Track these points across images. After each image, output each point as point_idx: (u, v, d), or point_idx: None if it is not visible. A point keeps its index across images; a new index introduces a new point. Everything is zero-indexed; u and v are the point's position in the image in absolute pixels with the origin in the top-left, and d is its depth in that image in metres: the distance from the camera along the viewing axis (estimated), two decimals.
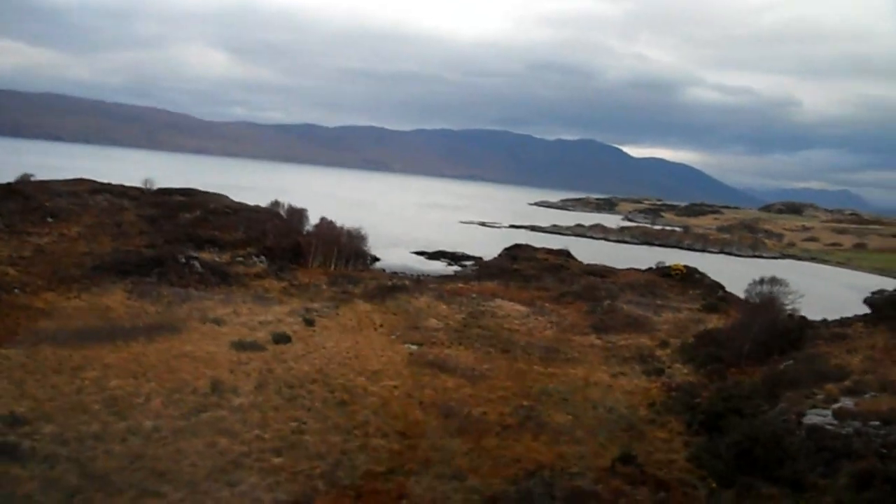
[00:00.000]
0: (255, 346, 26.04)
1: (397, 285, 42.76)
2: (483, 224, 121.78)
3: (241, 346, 25.83)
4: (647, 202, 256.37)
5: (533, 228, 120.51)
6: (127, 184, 57.43)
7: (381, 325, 32.67)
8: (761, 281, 37.12)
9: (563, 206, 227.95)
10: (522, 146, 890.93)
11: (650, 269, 57.74)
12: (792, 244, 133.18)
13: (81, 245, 38.97)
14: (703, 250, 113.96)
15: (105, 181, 57.06)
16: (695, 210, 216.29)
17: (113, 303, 30.15)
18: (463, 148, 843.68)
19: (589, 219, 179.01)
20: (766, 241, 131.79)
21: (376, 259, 57.96)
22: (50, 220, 42.77)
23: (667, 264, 57.20)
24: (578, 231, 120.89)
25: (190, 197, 55.39)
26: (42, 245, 37.68)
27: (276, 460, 16.46)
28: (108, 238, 40.85)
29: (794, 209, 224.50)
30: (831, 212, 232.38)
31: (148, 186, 57.35)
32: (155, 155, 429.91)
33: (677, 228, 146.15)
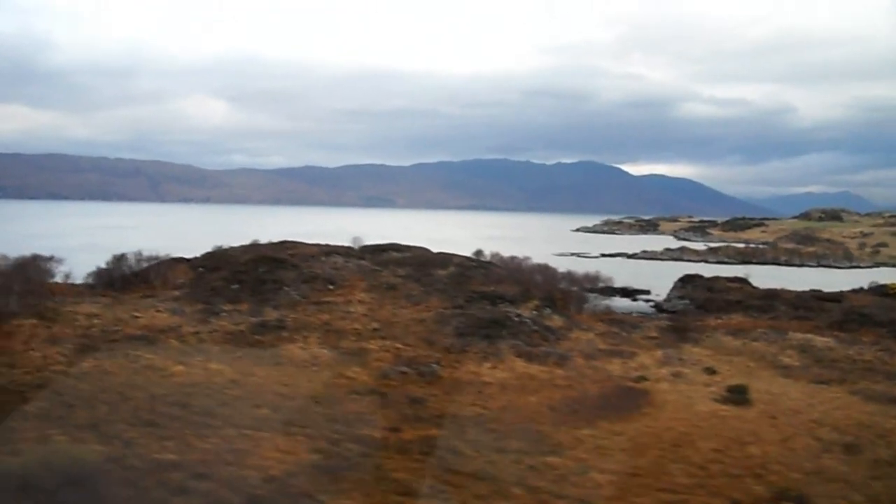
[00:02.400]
0: (734, 405, 26.19)
1: (681, 326, 43.04)
2: (577, 255, 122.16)
3: (716, 413, 26.00)
4: (683, 219, 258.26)
5: (630, 256, 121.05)
6: (330, 242, 57.87)
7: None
8: None
9: (610, 230, 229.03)
10: (522, 172, 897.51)
11: (861, 289, 58.24)
12: (876, 251, 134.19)
13: (388, 310, 39.10)
14: (801, 265, 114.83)
15: (312, 241, 57.49)
16: (739, 224, 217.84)
17: (522, 369, 30.31)
18: (463, 179, 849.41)
19: (641, 241, 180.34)
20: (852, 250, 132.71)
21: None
22: (330, 287, 42.95)
23: (882, 283, 57.75)
24: (673, 255, 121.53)
25: (402, 252, 55.69)
26: (357, 314, 37.80)
27: None
28: (405, 302, 40.98)
29: (835, 216, 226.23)
30: (869, 215, 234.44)
31: (357, 244, 57.67)
32: (170, 207, 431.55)
33: (761, 245, 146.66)
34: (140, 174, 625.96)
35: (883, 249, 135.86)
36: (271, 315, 35.44)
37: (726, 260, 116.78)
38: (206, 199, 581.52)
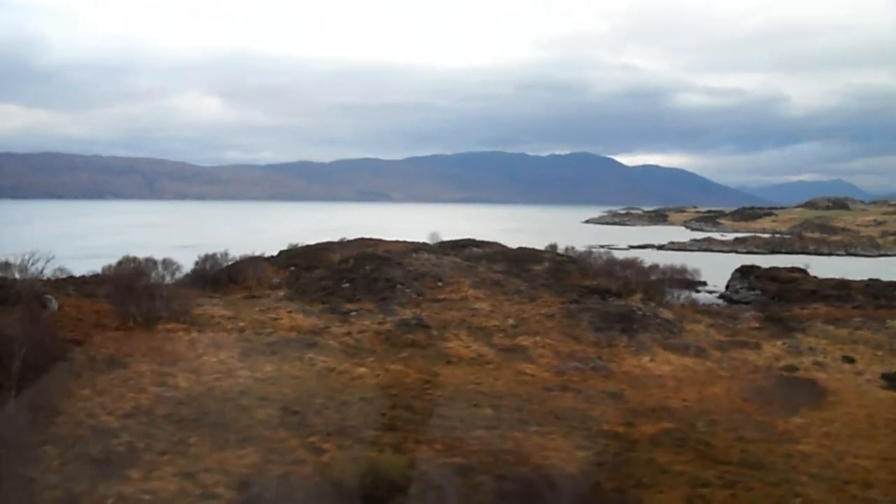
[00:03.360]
0: None
1: (779, 317, 43.58)
2: (607, 248, 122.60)
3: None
4: (689, 210, 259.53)
5: (659, 247, 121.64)
6: (406, 239, 58.21)
7: None
8: None
9: (621, 221, 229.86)
10: (516, 165, 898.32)
11: None
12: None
13: (509, 306, 39.30)
14: (829, 254, 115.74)
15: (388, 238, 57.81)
16: (748, 214, 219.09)
17: (678, 362, 30.72)
18: (457, 172, 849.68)
19: (658, 232, 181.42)
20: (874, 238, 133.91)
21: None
22: (439, 283, 43.16)
23: None
24: (702, 246, 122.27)
25: (481, 248, 56.10)
26: (484, 310, 38.03)
27: None
28: (518, 297, 41.23)
29: (841, 204, 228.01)
30: (875, 203, 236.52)
31: (434, 240, 57.97)
32: (169, 205, 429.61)
33: (786, 235, 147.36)
34: (134, 172, 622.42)
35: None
36: (404, 314, 35.61)
37: (755, 250, 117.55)
38: (202, 196, 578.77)
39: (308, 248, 55.03)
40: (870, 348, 37.10)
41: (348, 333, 31.79)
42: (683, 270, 51.70)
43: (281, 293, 43.07)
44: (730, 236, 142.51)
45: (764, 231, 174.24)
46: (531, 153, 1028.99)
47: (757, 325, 42.75)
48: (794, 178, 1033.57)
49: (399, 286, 41.19)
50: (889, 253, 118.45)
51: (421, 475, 16.36)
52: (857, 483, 17.34)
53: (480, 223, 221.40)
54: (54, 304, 31.57)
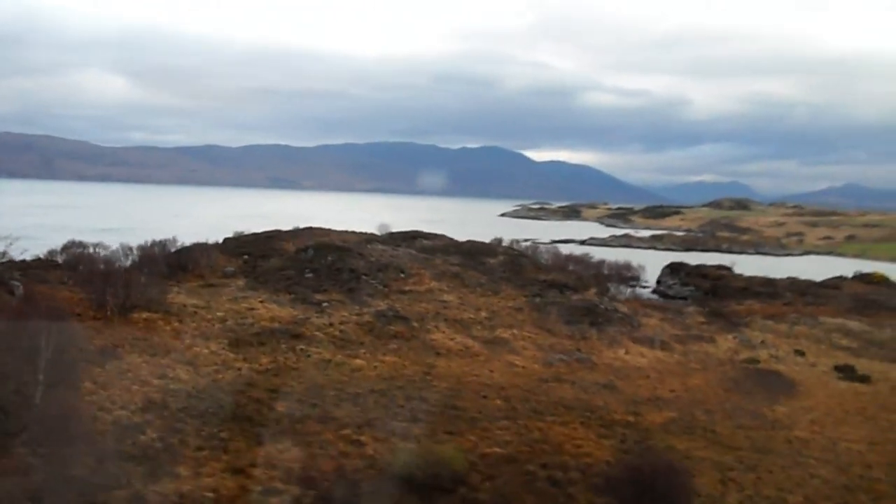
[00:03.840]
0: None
1: (721, 312, 46.03)
2: (532, 241, 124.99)
3: (857, 390, 28.62)
4: (600, 206, 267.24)
5: (581, 243, 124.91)
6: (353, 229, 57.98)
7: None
8: None
9: (536, 215, 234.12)
10: (428, 156, 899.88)
11: (843, 277, 63.18)
12: (799, 240, 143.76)
13: (475, 299, 39.85)
14: (741, 252, 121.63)
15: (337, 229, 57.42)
16: (657, 212, 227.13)
17: (651, 354, 32.13)
18: (369, 161, 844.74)
19: (574, 227, 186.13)
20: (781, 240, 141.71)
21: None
22: (402, 275, 43.30)
23: (860, 273, 62.82)
24: (622, 242, 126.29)
25: (430, 240, 56.42)
26: (453, 303, 38.49)
27: None
28: (482, 290, 41.83)
29: (743, 205, 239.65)
30: (773, 205, 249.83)
31: (382, 231, 57.91)
32: (69, 185, 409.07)
33: (697, 233, 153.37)
34: (31, 150, 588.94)
35: (805, 238, 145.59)
36: (378, 305, 35.71)
37: (672, 247, 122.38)
38: (104, 178, 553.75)
39: (258, 237, 53.96)
40: (812, 342, 39.72)
41: (330, 325, 31.69)
42: (629, 267, 53.65)
43: (240, 282, 42.21)
44: (646, 233, 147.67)
45: (674, 229, 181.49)
46: (442, 145, 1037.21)
47: (703, 319, 44.98)
48: (695, 179, 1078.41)
49: (364, 277, 41.07)
50: (793, 253, 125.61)
51: (471, 466, 16.79)
52: (857, 465, 18.89)
53: (400, 214, 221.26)
54: (20, 291, 30.23)
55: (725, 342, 38.07)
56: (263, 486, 15.44)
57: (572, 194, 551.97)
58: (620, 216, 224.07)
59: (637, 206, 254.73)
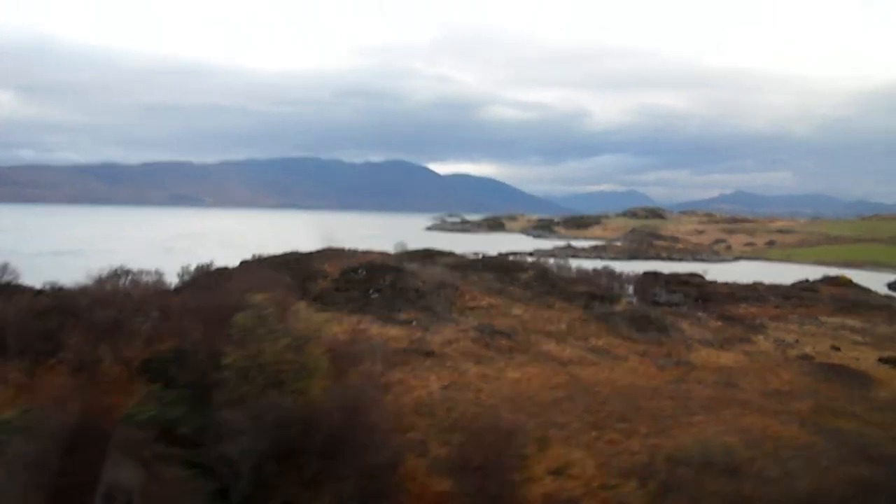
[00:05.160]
0: None
1: (733, 317, 50.82)
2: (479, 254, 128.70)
3: None
4: (525, 218, 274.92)
5: (530, 254, 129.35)
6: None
7: None
8: None
9: (464, 228, 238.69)
10: (332, 171, 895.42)
11: (805, 280, 69.77)
12: (728, 247, 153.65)
13: (539, 313, 42.86)
14: (680, 259, 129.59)
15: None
16: (579, 222, 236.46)
17: (730, 355, 36.06)
18: (272, 177, 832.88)
19: (502, 239, 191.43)
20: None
21: None
22: (456, 291, 45.80)
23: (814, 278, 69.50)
24: (568, 253, 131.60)
25: (447, 257, 59.15)
26: (525, 317, 41.30)
27: None
28: (538, 303, 44.88)
29: (658, 214, 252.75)
30: (684, 213, 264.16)
31: (400, 250, 60.11)
32: None
33: (626, 242, 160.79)
34: None
35: (731, 246, 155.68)
36: (466, 321, 38.27)
37: (617, 257, 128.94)
38: None
39: (286, 258, 55.15)
40: (830, 339, 44.77)
41: (448, 342, 33.94)
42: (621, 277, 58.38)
43: (301, 304, 43.65)
44: (585, 244, 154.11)
45: (597, 238, 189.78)
46: (347, 160, 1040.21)
47: (720, 323, 49.60)
48: (595, 188, 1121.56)
49: (428, 295, 43.45)
50: (726, 259, 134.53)
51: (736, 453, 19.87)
52: None
53: (336, 230, 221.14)
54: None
55: (763, 343, 42.59)
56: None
57: (478, 206, 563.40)
58: (544, 227, 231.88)
59: (556, 217, 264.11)
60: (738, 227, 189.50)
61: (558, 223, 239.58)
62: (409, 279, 45.69)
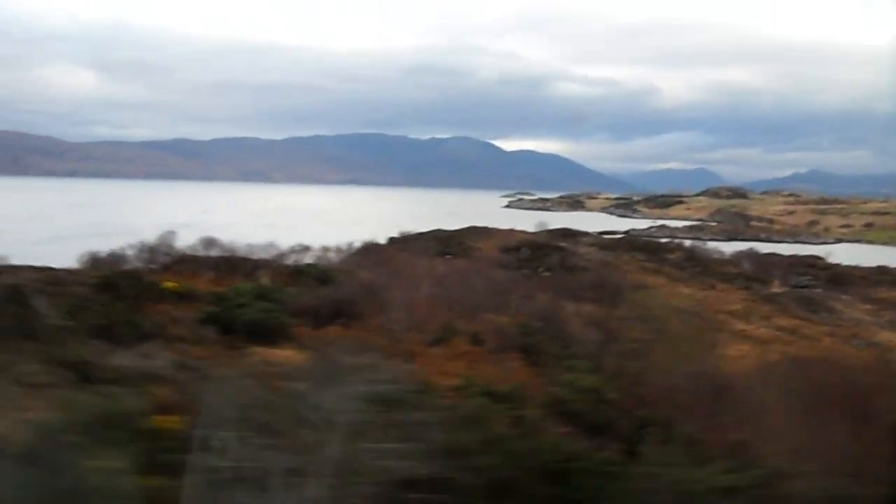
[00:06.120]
0: None
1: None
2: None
3: None
4: (603, 197, 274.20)
5: (626, 233, 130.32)
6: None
7: None
8: None
9: (544, 206, 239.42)
10: (398, 147, 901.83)
11: None
12: (826, 228, 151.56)
13: (706, 294, 44.81)
14: (780, 241, 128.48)
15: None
16: (661, 202, 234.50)
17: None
18: (339, 153, 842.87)
19: (586, 217, 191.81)
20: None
21: None
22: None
23: None
24: (664, 233, 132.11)
25: (586, 236, 61.22)
26: (695, 295, 43.31)
27: None
28: (696, 284, 46.81)
29: (741, 194, 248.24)
30: (767, 193, 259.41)
31: (541, 229, 62.41)
32: (44, 182, 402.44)
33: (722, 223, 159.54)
34: None
35: (829, 227, 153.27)
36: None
37: (714, 237, 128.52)
38: (73, 173, 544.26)
39: (436, 235, 57.45)
40: None
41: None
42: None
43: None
44: (679, 224, 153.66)
45: (682, 218, 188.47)
46: (412, 136, 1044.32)
47: (868, 306, 50.54)
48: (663, 167, 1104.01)
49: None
50: (828, 241, 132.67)
51: None
52: None
53: (406, 207, 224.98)
54: None
55: None
56: None
57: (544, 183, 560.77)
58: (625, 206, 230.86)
59: (636, 196, 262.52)
60: (829, 209, 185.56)
61: (639, 202, 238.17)
62: (574, 258, 47.89)
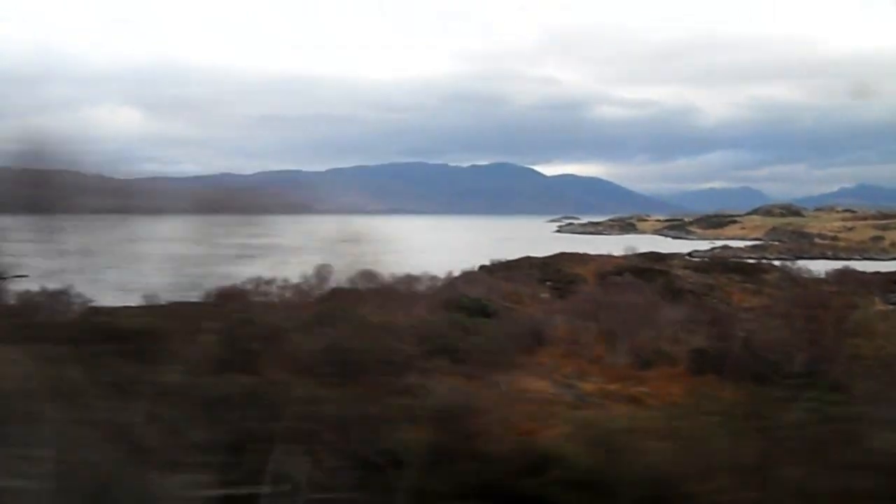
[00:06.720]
0: None
1: None
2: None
3: None
4: (654, 219, 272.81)
5: (689, 255, 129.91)
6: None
7: None
8: None
9: (595, 230, 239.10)
10: (438, 175, 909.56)
11: None
12: (893, 244, 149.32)
13: None
14: (848, 259, 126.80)
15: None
16: (714, 222, 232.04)
17: None
18: (381, 182, 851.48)
19: (640, 240, 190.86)
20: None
21: None
22: (720, 293, 48.49)
23: None
24: (726, 254, 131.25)
25: (674, 259, 61.73)
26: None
27: None
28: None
29: (794, 212, 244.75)
30: (821, 209, 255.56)
31: (630, 252, 63.19)
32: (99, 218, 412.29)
33: (785, 242, 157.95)
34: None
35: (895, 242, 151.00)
36: None
37: (782, 256, 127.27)
38: (121, 210, 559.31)
39: (530, 263, 58.47)
40: None
41: None
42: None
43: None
44: (740, 244, 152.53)
45: (737, 238, 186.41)
46: (452, 164, 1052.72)
47: None
48: (706, 186, 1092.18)
49: (704, 298, 46.14)
50: None
51: None
52: None
53: (460, 234, 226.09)
54: None
55: None
56: None
57: (585, 207, 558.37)
58: (678, 227, 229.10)
59: (688, 217, 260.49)
60: (891, 223, 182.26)
61: (691, 223, 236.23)
62: (679, 281, 48.53)
